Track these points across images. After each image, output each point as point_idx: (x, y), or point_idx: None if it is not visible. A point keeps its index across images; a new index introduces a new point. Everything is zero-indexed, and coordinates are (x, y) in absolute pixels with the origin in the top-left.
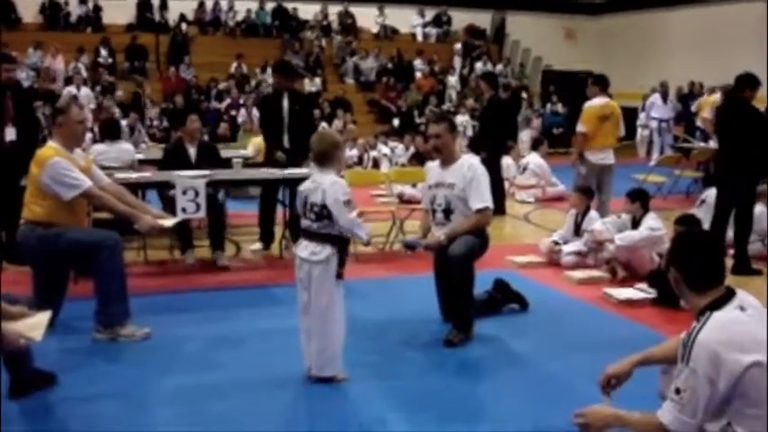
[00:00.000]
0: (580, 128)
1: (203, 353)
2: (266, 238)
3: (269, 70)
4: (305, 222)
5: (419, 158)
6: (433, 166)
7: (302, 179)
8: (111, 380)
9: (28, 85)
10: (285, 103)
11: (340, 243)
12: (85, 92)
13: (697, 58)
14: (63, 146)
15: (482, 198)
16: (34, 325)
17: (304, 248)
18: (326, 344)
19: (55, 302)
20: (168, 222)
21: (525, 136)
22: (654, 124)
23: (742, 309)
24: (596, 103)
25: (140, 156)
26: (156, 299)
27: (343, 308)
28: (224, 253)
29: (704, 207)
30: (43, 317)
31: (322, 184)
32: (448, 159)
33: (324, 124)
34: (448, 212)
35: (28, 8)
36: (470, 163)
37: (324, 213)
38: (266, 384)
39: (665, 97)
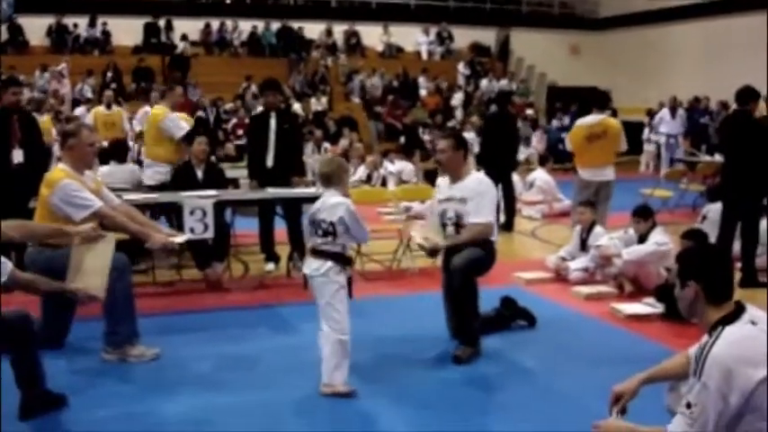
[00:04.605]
0: (567, 145)
1: (212, 373)
2: (273, 257)
3: None
4: (312, 240)
5: (430, 177)
6: (442, 181)
7: (301, 199)
8: (120, 401)
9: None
10: (273, 122)
11: (341, 259)
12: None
13: (701, 72)
14: (73, 168)
15: (485, 213)
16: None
17: (309, 265)
18: (331, 352)
19: (63, 324)
20: (179, 239)
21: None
22: (662, 139)
23: (753, 323)
24: (586, 122)
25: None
26: (164, 319)
27: (346, 320)
28: (222, 264)
29: (707, 222)
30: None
31: (328, 203)
32: (455, 175)
33: (326, 144)
34: (458, 226)
35: (35, 31)
36: (480, 179)
37: (330, 230)
38: (276, 403)
39: (673, 112)
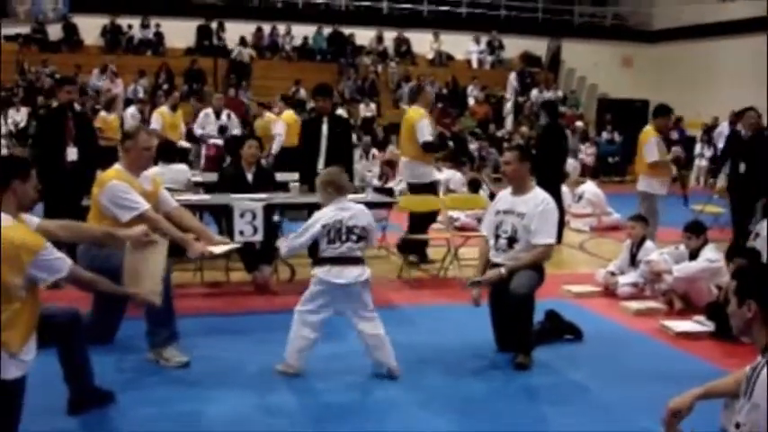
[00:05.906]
0: None
1: (257, 375)
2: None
3: None
4: (343, 248)
5: (473, 186)
6: (504, 193)
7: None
8: (165, 399)
9: (90, 106)
10: (325, 127)
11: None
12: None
13: (754, 87)
14: (128, 169)
15: (549, 233)
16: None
17: (342, 274)
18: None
19: (113, 322)
20: (217, 249)
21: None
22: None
23: None
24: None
25: (198, 178)
26: (211, 320)
27: None
28: (270, 267)
29: (758, 240)
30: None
31: (354, 209)
32: (519, 188)
33: (374, 150)
34: (512, 241)
35: (89, 31)
36: (544, 197)
37: (363, 235)
38: (318, 407)
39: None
